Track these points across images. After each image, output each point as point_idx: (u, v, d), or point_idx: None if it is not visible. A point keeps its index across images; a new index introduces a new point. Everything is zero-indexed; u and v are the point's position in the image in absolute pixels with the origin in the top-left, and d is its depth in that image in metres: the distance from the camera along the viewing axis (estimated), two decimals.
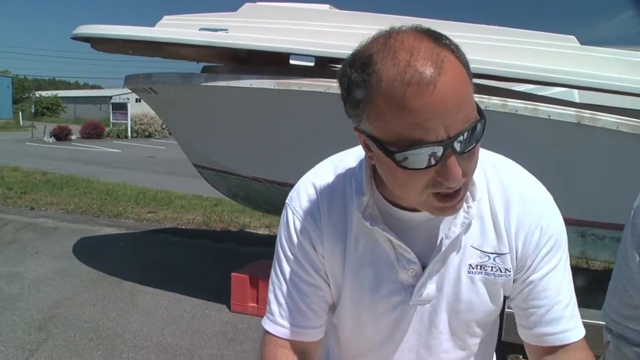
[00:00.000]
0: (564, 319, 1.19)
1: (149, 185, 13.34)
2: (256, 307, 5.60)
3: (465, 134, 0.95)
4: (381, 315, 1.24)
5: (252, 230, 9.36)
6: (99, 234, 8.87)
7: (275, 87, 4.85)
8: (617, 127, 4.29)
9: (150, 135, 35.59)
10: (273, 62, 5.27)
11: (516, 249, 1.18)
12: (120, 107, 37.66)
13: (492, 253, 1.19)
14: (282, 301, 1.26)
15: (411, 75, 0.90)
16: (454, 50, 0.97)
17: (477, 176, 1.12)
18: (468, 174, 1.02)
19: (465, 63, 0.97)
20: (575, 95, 4.77)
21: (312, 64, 5.39)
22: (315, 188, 1.24)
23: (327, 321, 1.31)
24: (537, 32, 4.88)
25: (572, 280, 1.22)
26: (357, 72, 0.97)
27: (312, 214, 1.23)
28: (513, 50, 4.33)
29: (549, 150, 4.28)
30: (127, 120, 36.12)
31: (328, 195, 1.23)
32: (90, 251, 7.71)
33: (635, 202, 1.35)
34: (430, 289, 1.20)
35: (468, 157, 0.98)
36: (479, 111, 0.98)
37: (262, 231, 9.33)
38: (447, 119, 0.92)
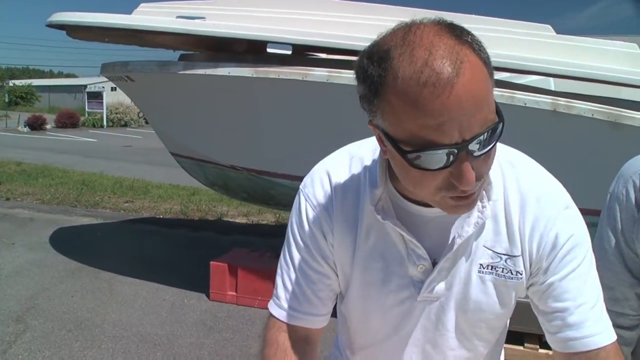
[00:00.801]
0: (588, 321, 1.13)
1: (125, 175, 13.25)
2: (235, 295, 5.60)
3: (482, 137, 0.92)
4: (389, 309, 1.23)
5: (229, 219, 9.33)
6: (76, 224, 8.80)
7: (254, 75, 4.85)
8: (592, 115, 4.35)
9: (126, 125, 35.33)
10: (250, 50, 5.26)
11: (530, 251, 1.15)
12: (96, 96, 37.25)
13: (504, 254, 1.16)
14: (289, 287, 1.27)
15: (428, 76, 0.87)
16: (476, 47, 0.94)
17: (494, 176, 1.11)
18: (483, 175, 0.99)
19: (486, 61, 0.95)
20: (551, 84, 4.82)
21: (289, 52, 5.39)
22: (329, 177, 1.23)
23: (331, 310, 1.31)
24: (513, 21, 4.93)
25: (598, 282, 1.17)
26: (373, 65, 0.93)
27: (325, 202, 1.22)
28: (489, 39, 4.32)
29: (525, 137, 4.31)
30: (102, 109, 35.77)
31: (342, 185, 1.22)
32: (68, 242, 7.66)
33: (611, 186, 1.37)
34: (439, 286, 1.18)
35: (484, 159, 0.96)
36: (498, 112, 0.95)
37: (240, 220, 9.32)
38: (463, 121, 0.89)
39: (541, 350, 4.42)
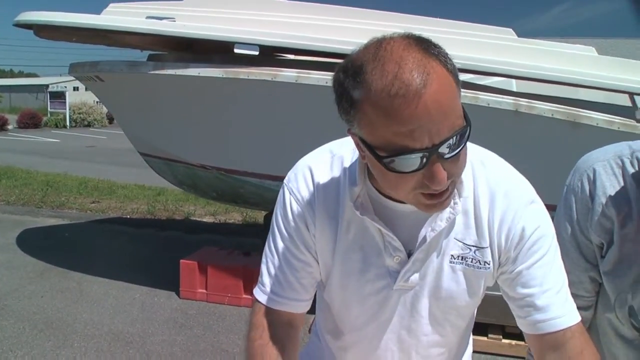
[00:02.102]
0: (554, 305, 1.24)
1: (90, 175, 13.15)
2: (205, 293, 5.66)
3: (450, 141, 1.02)
4: (367, 297, 1.33)
5: (197, 219, 9.35)
6: (42, 225, 8.75)
7: (223, 76, 4.91)
8: (552, 115, 4.52)
9: (89, 125, 34.93)
10: (218, 51, 5.32)
11: (498, 243, 1.26)
12: (58, 96, 36.80)
13: (473, 246, 1.27)
14: (274, 274, 1.35)
15: (398, 88, 0.97)
16: (442, 59, 1.02)
17: (465, 174, 1.21)
18: (454, 175, 1.09)
19: (452, 71, 1.03)
20: (513, 85, 4.98)
21: (256, 53, 5.46)
22: (312, 172, 1.32)
23: (313, 296, 1.40)
24: (476, 25, 5.09)
25: (563, 269, 1.28)
26: (348, 79, 1.03)
27: (308, 196, 1.31)
28: (453, 42, 4.49)
29: (488, 136, 4.45)
30: (65, 109, 35.31)
31: (324, 181, 1.31)
32: (35, 243, 7.62)
33: (568, 179, 1.49)
34: (414, 275, 1.29)
35: (454, 161, 1.06)
36: (465, 117, 1.05)
37: (207, 219, 9.35)
38: (432, 127, 0.99)
39: (504, 341, 4.59)
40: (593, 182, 1.43)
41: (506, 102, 4.59)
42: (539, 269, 1.25)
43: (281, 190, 1.35)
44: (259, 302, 1.37)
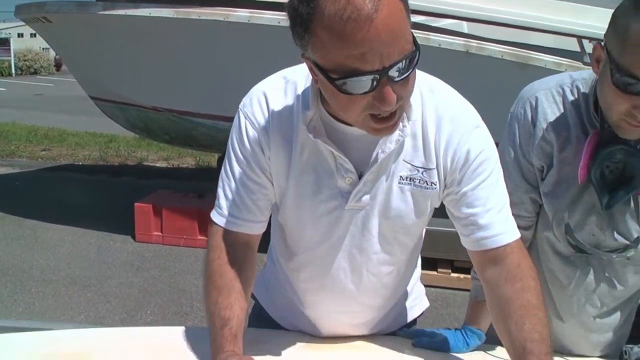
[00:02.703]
0: (497, 223, 1.32)
1: (39, 124, 12.89)
2: (160, 235, 5.71)
3: (400, 65, 1.06)
4: (320, 217, 1.39)
5: (150, 164, 9.34)
6: None
7: (174, 16, 4.86)
8: (502, 56, 4.62)
9: (36, 72, 33.96)
10: None
11: (444, 165, 1.33)
12: (2, 43, 35.54)
13: (420, 167, 1.33)
14: (230, 196, 1.39)
15: (350, 12, 1.00)
16: None
17: (414, 99, 1.26)
18: (403, 98, 1.14)
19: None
20: (464, 27, 5.04)
21: None
22: (266, 97, 1.35)
23: (268, 218, 1.45)
24: None
25: (505, 190, 1.36)
26: (302, 4, 1.06)
27: (262, 120, 1.35)
28: None
29: (439, 76, 4.53)
30: (10, 56, 34.18)
31: (278, 105, 1.35)
32: None
33: (512, 107, 1.57)
34: (364, 196, 1.34)
35: (403, 84, 1.10)
36: (415, 43, 1.09)
37: (161, 164, 9.34)
38: (383, 51, 1.03)
39: (453, 275, 4.78)
40: (535, 109, 1.51)
41: (457, 43, 4.67)
42: (482, 190, 1.33)
43: (236, 116, 1.39)
44: (216, 224, 1.41)
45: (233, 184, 1.38)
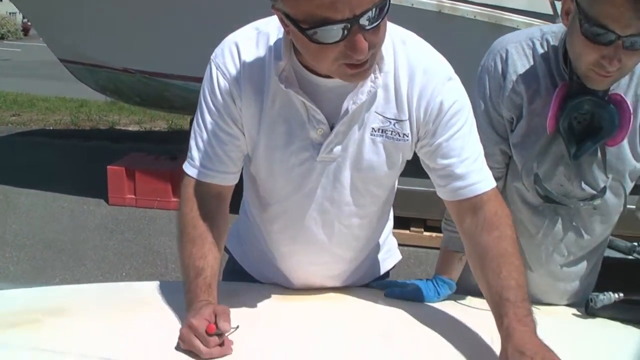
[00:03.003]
0: (473, 172, 1.34)
1: (7, 89, 12.62)
2: (134, 198, 5.70)
3: (370, 13, 1.06)
4: (291, 168, 1.39)
5: (122, 128, 9.25)
6: None
7: None
8: (475, 17, 4.62)
9: (3, 37, 33.15)
10: None
11: (417, 117, 1.33)
12: None
13: (392, 119, 1.34)
14: (202, 148, 1.39)
15: None
16: None
17: (386, 50, 1.27)
18: (375, 46, 1.14)
19: None
20: None
21: None
22: (238, 48, 1.34)
23: (240, 170, 1.45)
24: None
25: (479, 140, 1.37)
26: None
27: (234, 70, 1.34)
28: None
29: None
30: None
31: (250, 55, 1.34)
32: None
33: (482, 60, 1.59)
34: (336, 147, 1.35)
35: (374, 32, 1.10)
36: None
37: (133, 128, 9.27)
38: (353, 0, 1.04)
39: (425, 233, 4.85)
40: (505, 62, 1.52)
41: (430, 3, 4.66)
42: (457, 141, 1.34)
43: (208, 66, 1.38)
44: (189, 176, 1.41)
45: (205, 135, 1.38)
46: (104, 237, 5.02)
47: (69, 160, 7.25)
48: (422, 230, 4.86)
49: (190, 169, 1.41)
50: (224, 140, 1.38)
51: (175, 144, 7.40)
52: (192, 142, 1.41)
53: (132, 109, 9.71)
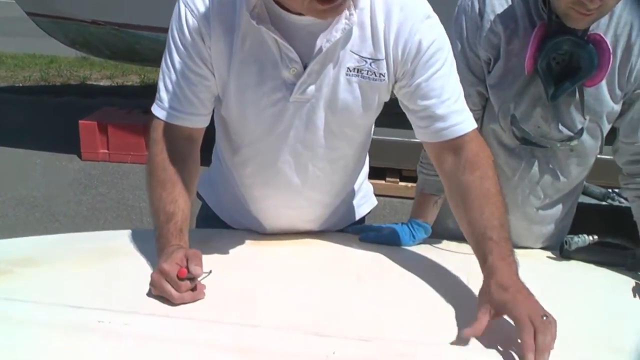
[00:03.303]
0: (454, 113, 1.31)
1: None
2: (107, 152, 5.62)
3: None
4: (263, 109, 1.35)
5: (93, 83, 9.06)
6: None
7: None
8: None
9: None
10: None
11: (394, 56, 1.30)
12: None
13: (369, 58, 1.30)
14: (171, 89, 1.35)
15: None
16: None
17: None
18: None
19: None
20: None
21: None
22: None
23: (211, 112, 1.42)
24: None
25: (458, 80, 1.34)
26: None
27: (203, 7, 1.29)
28: None
29: None
30: None
31: None
32: None
33: (459, 1, 1.55)
34: (310, 88, 1.31)
35: None
36: None
37: (104, 82, 9.08)
38: None
39: (401, 183, 4.85)
40: (483, 1, 1.49)
41: None
42: (436, 81, 1.31)
43: (176, 4, 1.33)
44: (158, 118, 1.37)
45: (173, 76, 1.34)
46: (77, 192, 4.95)
47: (40, 117, 7.09)
48: (398, 180, 4.85)
49: (159, 111, 1.37)
50: (193, 81, 1.33)
51: (148, 99, 7.09)
52: (160, 83, 1.36)
53: (103, 64, 9.50)
